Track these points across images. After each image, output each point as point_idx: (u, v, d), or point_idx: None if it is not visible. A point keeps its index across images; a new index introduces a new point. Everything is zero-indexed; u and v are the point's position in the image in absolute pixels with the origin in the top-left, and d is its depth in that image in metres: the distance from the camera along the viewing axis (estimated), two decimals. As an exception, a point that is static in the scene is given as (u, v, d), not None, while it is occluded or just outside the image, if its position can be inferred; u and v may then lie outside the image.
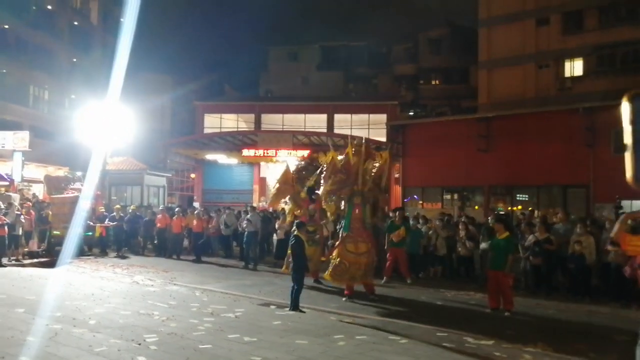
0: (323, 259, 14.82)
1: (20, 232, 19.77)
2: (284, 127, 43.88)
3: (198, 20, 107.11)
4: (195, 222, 22.44)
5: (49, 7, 39.84)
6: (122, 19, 32.11)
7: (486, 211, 25.91)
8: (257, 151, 38.59)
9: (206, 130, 45.12)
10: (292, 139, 37.70)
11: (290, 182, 16.90)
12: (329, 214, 15.12)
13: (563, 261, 14.87)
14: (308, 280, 14.39)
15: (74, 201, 20.60)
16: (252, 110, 46.45)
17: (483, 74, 37.77)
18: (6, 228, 18.62)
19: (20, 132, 31.48)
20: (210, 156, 41.65)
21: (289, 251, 13.70)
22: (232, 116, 47.32)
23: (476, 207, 29.40)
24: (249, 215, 20.82)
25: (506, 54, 35.67)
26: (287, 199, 17.52)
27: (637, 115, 3.71)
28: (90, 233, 21.92)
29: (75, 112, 27.35)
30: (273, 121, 45.45)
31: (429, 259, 18.08)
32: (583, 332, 10.63)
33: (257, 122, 45.97)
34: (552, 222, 17.06)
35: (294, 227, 12.89)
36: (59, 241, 20.25)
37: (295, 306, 11.42)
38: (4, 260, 18.40)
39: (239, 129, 45.61)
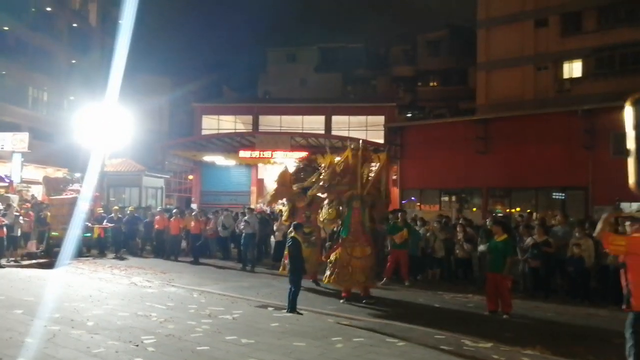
0: (324, 258, 14.78)
1: (19, 233, 19.76)
2: (282, 128, 43.88)
3: (196, 21, 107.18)
4: (193, 223, 22.42)
5: (48, 9, 39.87)
6: (120, 21, 32.08)
7: (484, 213, 25.91)
8: (252, 152, 38.58)
9: (204, 132, 45.09)
10: (290, 141, 37.68)
11: (288, 183, 16.90)
12: (325, 217, 14.98)
13: (562, 264, 14.86)
14: (306, 282, 14.42)
15: (72, 202, 20.61)
16: (250, 111, 46.45)
17: (481, 76, 37.78)
18: (5, 229, 18.62)
19: (19, 134, 31.48)
20: (208, 158, 41.63)
21: (286, 252, 13.68)
22: (230, 118, 47.33)
23: (474, 209, 29.42)
24: (246, 217, 20.82)
25: (505, 56, 35.69)
26: (284, 200, 17.49)
27: None
28: (88, 234, 21.90)
29: (74, 113, 27.33)
30: (271, 123, 45.44)
31: (427, 261, 18.05)
32: (582, 334, 10.62)
33: (255, 123, 45.96)
34: (550, 225, 17.05)
35: (291, 229, 12.89)
36: (58, 242, 20.23)
37: (292, 308, 11.41)
38: (3, 262, 18.39)
39: (237, 131, 45.58)
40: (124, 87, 27.68)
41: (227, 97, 53.30)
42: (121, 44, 27.80)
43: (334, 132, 41.94)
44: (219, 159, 41.45)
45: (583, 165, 25.23)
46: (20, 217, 19.80)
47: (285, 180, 16.98)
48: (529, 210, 25.20)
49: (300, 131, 41.62)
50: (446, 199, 31.54)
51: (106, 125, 24.52)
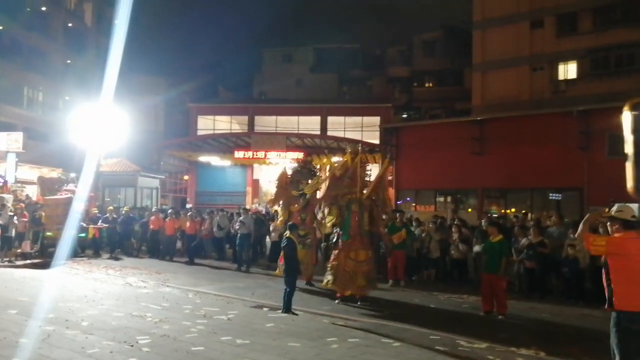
0: (328, 264, 14.75)
1: (13, 233, 19.70)
2: (278, 129, 43.88)
3: (192, 21, 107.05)
4: (188, 224, 22.41)
5: (43, 8, 39.75)
6: (115, 21, 32.05)
7: (479, 214, 25.93)
8: (246, 153, 38.59)
9: (200, 132, 45.12)
10: (286, 141, 37.71)
11: (285, 185, 16.92)
12: (328, 220, 14.92)
13: (557, 265, 14.88)
14: (301, 283, 14.43)
15: (67, 202, 20.57)
16: (246, 112, 46.47)
17: (477, 77, 37.79)
18: (-1, 229, 18.59)
19: (13, 133, 31.36)
20: (203, 158, 41.64)
21: (282, 254, 13.68)
22: (226, 118, 47.36)
23: (469, 210, 29.43)
24: (241, 217, 20.83)
25: (500, 57, 35.69)
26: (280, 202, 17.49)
27: (638, 124, 3.70)
28: (83, 234, 21.85)
29: (69, 113, 27.24)
30: (267, 123, 45.44)
31: (422, 261, 18.04)
32: (576, 335, 10.64)
33: (251, 124, 45.99)
34: (546, 226, 17.08)
35: (287, 229, 12.90)
36: (52, 243, 20.21)
37: (287, 309, 11.41)
38: (-3, 262, 18.36)
39: (233, 131, 45.58)
40: (119, 87, 27.66)
41: (223, 98, 53.31)
42: (116, 44, 27.82)
43: (329, 133, 41.99)
44: (214, 160, 41.46)
45: (578, 166, 25.24)
46: (15, 217, 19.74)
47: (282, 182, 17.00)
48: (524, 211, 25.22)
49: (296, 132, 41.66)
50: (441, 199, 31.55)
51: (101, 125, 24.49)
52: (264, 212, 26.92)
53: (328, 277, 13.66)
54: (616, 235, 6.38)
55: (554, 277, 15.47)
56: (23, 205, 22.41)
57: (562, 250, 14.61)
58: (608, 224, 6.61)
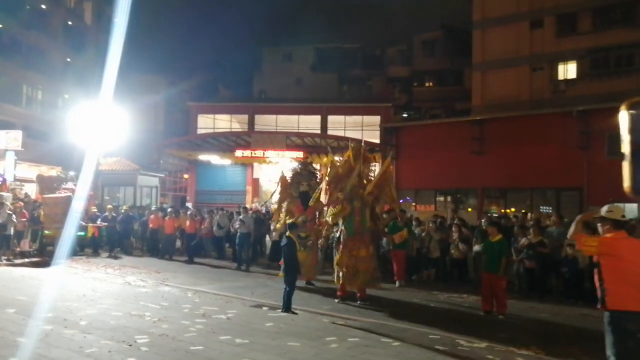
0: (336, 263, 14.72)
1: (12, 232, 19.66)
2: (278, 128, 43.82)
3: (192, 20, 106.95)
4: (188, 223, 22.40)
5: (43, 7, 39.71)
6: (115, 19, 31.98)
7: (479, 214, 25.93)
8: (244, 152, 38.56)
9: (199, 131, 45.06)
10: (286, 140, 37.67)
11: (286, 188, 16.90)
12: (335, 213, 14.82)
13: (556, 264, 14.87)
14: (300, 282, 14.41)
15: (66, 201, 20.52)
16: (246, 111, 46.39)
17: (477, 77, 37.76)
18: (-3, 228, 18.55)
19: (12, 132, 31.29)
20: (203, 157, 41.59)
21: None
22: (226, 117, 47.29)
23: (469, 210, 29.44)
24: (241, 216, 20.80)
25: (500, 57, 35.67)
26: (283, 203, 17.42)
27: (636, 123, 3.69)
28: (82, 233, 21.82)
29: (69, 112, 27.17)
30: (267, 122, 45.38)
31: (422, 261, 18.04)
32: (576, 335, 10.63)
33: (251, 122, 45.91)
34: (545, 225, 17.06)
35: (287, 229, 12.88)
36: (51, 241, 20.20)
37: (287, 308, 11.39)
38: (-4, 261, 18.33)
39: (233, 130, 45.54)
40: (119, 85, 27.60)
41: (223, 96, 53.26)
42: (116, 43, 27.74)
43: (329, 132, 41.92)
44: (214, 158, 41.41)
45: (578, 165, 25.25)
46: (14, 216, 19.71)
47: (283, 185, 16.98)
48: (523, 211, 25.23)
49: (296, 131, 41.59)
50: (441, 199, 31.57)
51: (101, 124, 24.41)
52: (264, 212, 26.89)
53: (336, 274, 13.70)
54: (607, 235, 6.43)
55: (554, 277, 15.47)
56: (22, 203, 22.36)
57: (561, 250, 14.60)
58: (599, 224, 6.66)
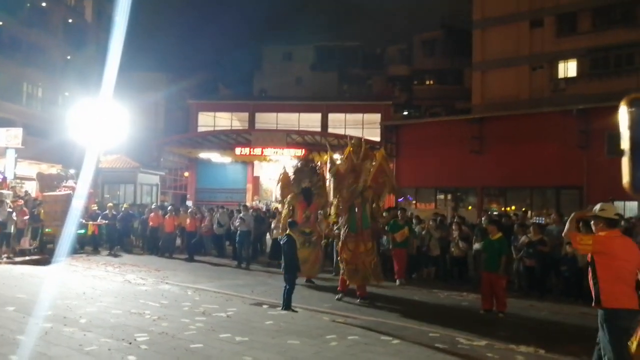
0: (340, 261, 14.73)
1: (12, 230, 19.66)
2: (278, 126, 43.80)
3: (192, 18, 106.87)
4: (188, 220, 22.40)
5: (43, 4, 39.67)
6: (116, 17, 31.97)
7: (479, 212, 25.94)
8: (243, 149, 38.56)
9: (200, 129, 45.04)
10: (286, 138, 37.69)
11: (287, 185, 16.90)
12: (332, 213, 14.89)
13: (556, 263, 14.87)
14: (301, 280, 14.42)
15: (66, 199, 20.52)
16: (246, 109, 46.35)
17: (477, 76, 37.77)
18: (-2, 226, 18.55)
19: (12, 129, 31.25)
20: (203, 155, 41.60)
21: None
22: (226, 115, 47.26)
23: (469, 208, 29.45)
24: (242, 214, 20.78)
25: (500, 56, 35.67)
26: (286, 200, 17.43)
27: (635, 120, 3.69)
28: (82, 231, 21.82)
29: (69, 109, 27.14)
30: (267, 120, 45.36)
31: (422, 259, 18.03)
32: (576, 334, 10.62)
33: (251, 121, 45.87)
34: (545, 224, 17.06)
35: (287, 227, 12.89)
36: (51, 239, 20.19)
37: (287, 306, 11.40)
38: (-4, 258, 18.33)
39: (233, 128, 45.51)
40: (119, 83, 27.59)
41: (223, 94, 53.24)
42: (116, 40, 27.73)
43: (330, 130, 41.95)
44: (214, 156, 41.43)
45: (578, 164, 25.28)
46: (14, 214, 19.70)
47: (285, 182, 16.98)
48: (524, 209, 25.24)
49: (296, 129, 41.59)
50: (442, 197, 31.61)
51: (101, 121, 24.41)
52: (264, 210, 26.90)
53: (342, 270, 13.72)
54: (601, 233, 6.45)
55: (554, 276, 15.46)
56: (22, 201, 22.36)
57: (561, 249, 14.60)
58: (592, 222, 6.68)
